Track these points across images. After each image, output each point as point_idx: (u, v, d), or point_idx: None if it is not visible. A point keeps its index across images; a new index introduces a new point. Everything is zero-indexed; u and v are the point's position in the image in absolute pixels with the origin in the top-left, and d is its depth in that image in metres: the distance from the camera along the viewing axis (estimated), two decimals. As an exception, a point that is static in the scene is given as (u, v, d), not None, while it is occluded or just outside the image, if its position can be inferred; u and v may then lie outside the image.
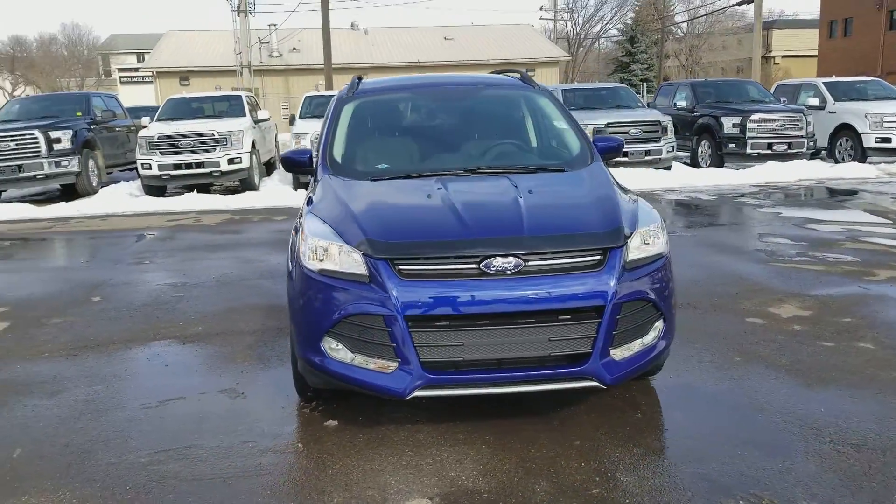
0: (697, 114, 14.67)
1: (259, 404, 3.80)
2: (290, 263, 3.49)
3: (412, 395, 3.03)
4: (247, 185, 12.95)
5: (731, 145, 13.75)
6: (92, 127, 13.22)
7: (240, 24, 26.57)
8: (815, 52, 43.44)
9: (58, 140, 12.11)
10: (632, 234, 3.26)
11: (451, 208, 3.33)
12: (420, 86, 5.08)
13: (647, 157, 13.17)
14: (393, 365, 3.04)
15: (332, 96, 5.20)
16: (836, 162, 14.10)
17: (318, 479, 3.03)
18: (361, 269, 3.07)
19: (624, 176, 12.68)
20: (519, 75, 4.99)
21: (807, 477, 2.91)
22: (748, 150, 13.51)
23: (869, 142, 13.65)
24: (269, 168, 15.18)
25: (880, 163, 13.49)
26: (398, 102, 4.82)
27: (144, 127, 13.22)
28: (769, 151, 13.51)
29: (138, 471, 3.12)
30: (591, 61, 59.22)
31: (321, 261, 3.19)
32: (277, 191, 12.79)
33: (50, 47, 60.93)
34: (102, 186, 13.10)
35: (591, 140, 4.32)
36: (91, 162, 12.88)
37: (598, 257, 3.12)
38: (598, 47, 59.18)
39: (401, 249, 3.08)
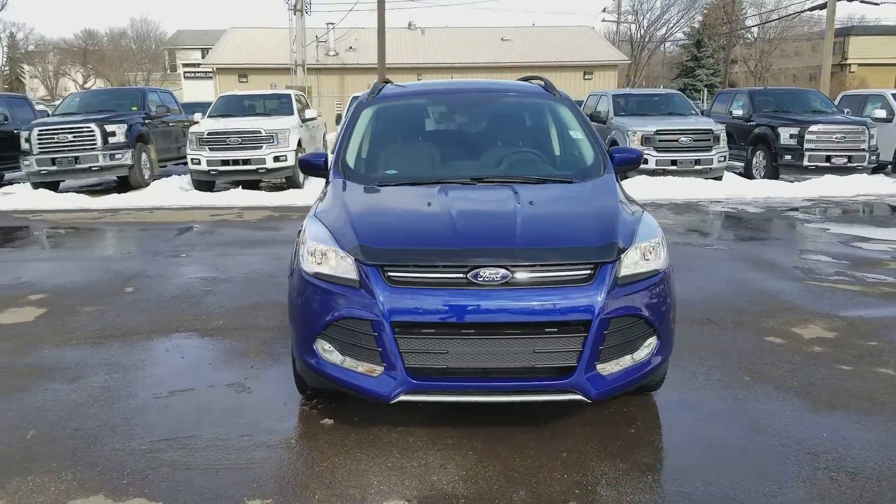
0: (754, 123, 14.22)
1: (262, 399, 3.91)
2: (292, 264, 3.59)
3: (397, 399, 3.08)
4: (292, 182, 13.22)
5: (788, 157, 13.31)
6: (146, 121, 13.68)
7: (295, 23, 27.09)
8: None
9: (112, 133, 12.58)
10: (627, 248, 3.24)
11: (446, 217, 3.36)
12: (440, 92, 5.12)
13: (696, 167, 12.91)
14: (379, 369, 3.10)
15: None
16: (901, 178, 13.57)
17: (304, 475, 3.11)
18: (353, 275, 3.14)
19: (671, 185, 12.52)
20: (542, 82, 4.99)
21: (792, 503, 2.85)
22: (805, 163, 13.08)
23: None
24: (316, 166, 15.39)
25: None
26: (415, 108, 4.84)
27: (196, 123, 13.63)
28: (827, 164, 13.05)
29: (138, 457, 3.26)
30: (655, 65, 58.13)
31: (318, 264, 3.27)
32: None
33: (119, 41, 63.33)
34: (154, 179, 13.52)
35: (607, 151, 4.30)
36: (144, 155, 13.34)
37: (588, 271, 3.11)
38: (664, 50, 58.07)
39: (390, 256, 3.14)
